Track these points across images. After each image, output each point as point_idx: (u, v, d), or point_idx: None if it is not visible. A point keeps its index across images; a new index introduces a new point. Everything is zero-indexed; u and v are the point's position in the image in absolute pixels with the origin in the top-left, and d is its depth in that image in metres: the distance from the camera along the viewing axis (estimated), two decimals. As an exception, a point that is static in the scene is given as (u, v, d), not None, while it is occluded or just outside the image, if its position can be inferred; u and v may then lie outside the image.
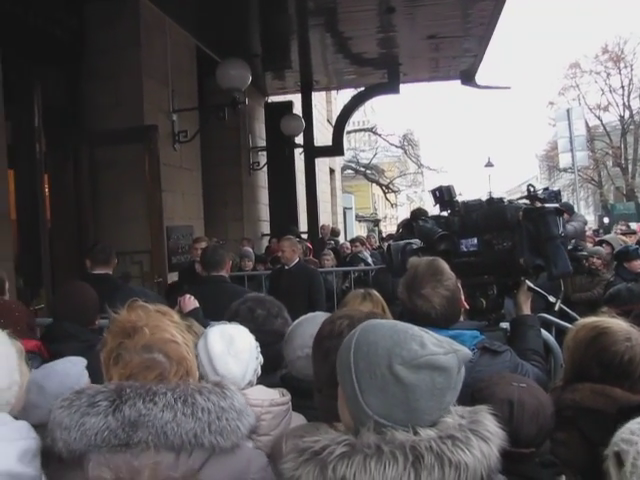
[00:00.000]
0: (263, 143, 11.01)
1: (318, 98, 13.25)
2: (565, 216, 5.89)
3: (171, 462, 1.41)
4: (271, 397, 1.87)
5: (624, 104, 30.38)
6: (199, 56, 8.05)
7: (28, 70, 5.29)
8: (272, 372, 2.22)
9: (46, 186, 5.74)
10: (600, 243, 7.00)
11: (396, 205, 33.66)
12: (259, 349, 2.07)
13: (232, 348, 1.93)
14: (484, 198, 2.90)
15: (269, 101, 11.56)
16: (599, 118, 30.65)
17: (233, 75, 6.88)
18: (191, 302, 3.48)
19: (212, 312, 3.28)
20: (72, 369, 1.95)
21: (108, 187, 6.52)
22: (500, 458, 1.21)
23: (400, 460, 1.12)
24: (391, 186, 29.01)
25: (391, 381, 1.18)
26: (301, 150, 10.97)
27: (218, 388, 1.49)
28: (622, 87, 30.21)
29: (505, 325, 2.62)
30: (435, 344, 1.22)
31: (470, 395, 1.77)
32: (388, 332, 1.26)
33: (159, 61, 6.88)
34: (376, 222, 28.40)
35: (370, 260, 7.99)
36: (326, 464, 1.13)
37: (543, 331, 2.71)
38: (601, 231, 16.07)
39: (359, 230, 24.37)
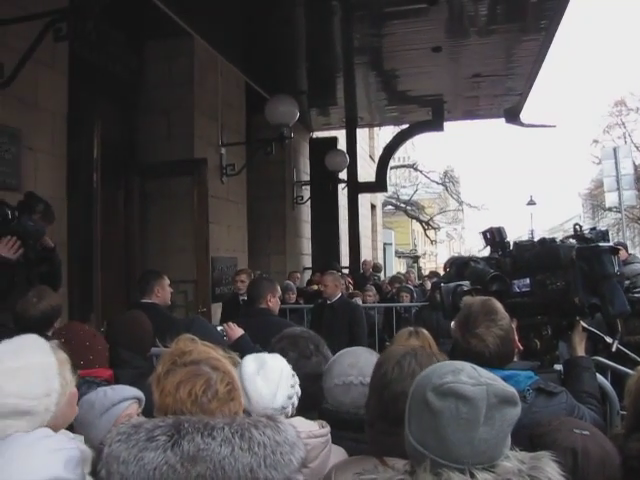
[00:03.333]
0: (307, 177, 11.15)
1: (361, 134, 13.39)
2: (623, 254, 5.79)
3: None
4: (309, 429, 1.88)
5: (672, 143, 29.69)
6: (247, 92, 8.29)
7: (90, 105, 5.54)
8: (308, 410, 2.23)
9: (98, 215, 5.93)
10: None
11: (436, 242, 33.44)
12: (296, 379, 2.09)
13: (262, 370, 1.98)
14: (525, 237, 2.88)
15: (314, 136, 11.76)
16: (646, 157, 30.00)
17: (281, 111, 7.05)
18: (237, 329, 3.53)
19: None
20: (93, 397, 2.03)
21: (157, 217, 6.71)
22: None
23: None
24: (431, 223, 28.89)
25: (424, 407, 1.23)
26: (344, 185, 11.07)
27: (272, 422, 1.49)
28: (670, 126, 29.57)
29: (559, 367, 2.57)
30: (469, 376, 1.24)
31: (529, 439, 1.73)
32: (440, 365, 1.32)
33: (210, 97, 7.12)
34: (415, 258, 28.21)
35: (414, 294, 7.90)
36: None
37: (598, 375, 2.64)
38: (649, 273, 15.53)
39: (398, 266, 24.24)
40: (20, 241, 3.42)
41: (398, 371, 1.66)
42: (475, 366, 1.30)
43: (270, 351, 2.40)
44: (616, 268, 2.44)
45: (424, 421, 1.23)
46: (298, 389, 2.07)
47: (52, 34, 3.84)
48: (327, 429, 1.93)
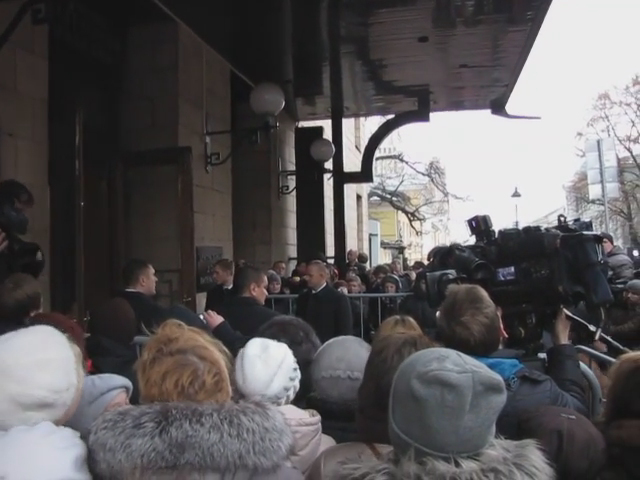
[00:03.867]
0: (293, 167, 11.12)
1: (347, 124, 13.36)
2: (608, 245, 5.83)
3: None
4: (300, 417, 1.89)
5: (655, 136, 29.93)
6: (232, 81, 8.21)
7: (72, 91, 5.45)
8: (299, 399, 2.22)
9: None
10: (639, 275, 6.85)
11: (421, 233, 33.58)
12: (298, 374, 2.08)
13: (264, 354, 2.00)
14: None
15: (299, 126, 11.71)
16: (629, 150, 30.26)
17: (267, 99, 7.00)
18: (217, 317, 3.51)
19: (242, 333, 3.31)
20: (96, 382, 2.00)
21: (140, 206, 6.66)
22: None
23: None
24: (417, 214, 28.99)
25: (409, 395, 1.21)
26: (329, 175, 11.05)
27: (260, 408, 1.48)
28: (653, 118, 29.80)
29: (543, 355, 2.58)
30: (455, 363, 1.22)
31: (514, 425, 1.73)
32: (424, 352, 1.31)
33: (195, 85, 7.04)
34: (401, 249, 28.30)
35: (400, 284, 7.93)
36: None
37: (581, 363, 2.66)
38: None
39: (384, 257, 24.30)
40: (4, 233, 3.35)
41: (398, 359, 1.65)
42: (460, 353, 1.29)
43: (260, 337, 2.38)
44: (600, 256, 2.45)
45: (408, 409, 1.22)
46: (297, 384, 2.07)
47: (30, 16, 3.75)
48: (317, 418, 1.93)
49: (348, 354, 2.17)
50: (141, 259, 4.91)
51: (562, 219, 2.84)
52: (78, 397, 1.56)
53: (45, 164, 4.84)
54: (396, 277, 8.12)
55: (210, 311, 3.64)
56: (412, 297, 6.39)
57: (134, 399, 1.91)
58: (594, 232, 2.57)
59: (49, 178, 4.88)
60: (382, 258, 22.90)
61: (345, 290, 7.01)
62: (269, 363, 1.98)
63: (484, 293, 2.16)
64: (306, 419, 1.90)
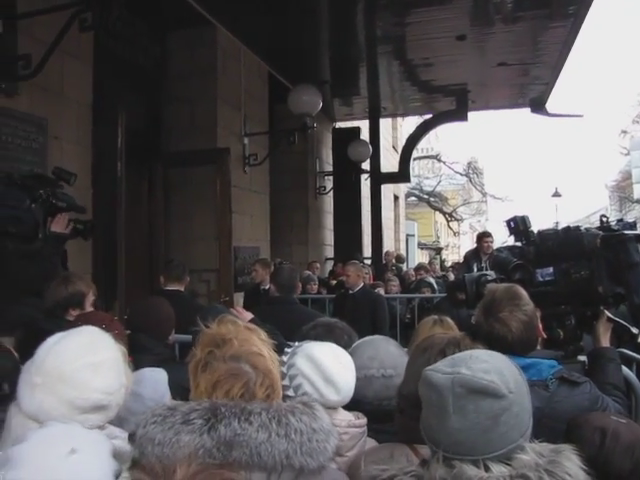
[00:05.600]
0: (330, 168, 11.14)
1: (384, 124, 13.29)
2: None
3: None
4: (349, 418, 1.88)
5: (703, 134, 28.86)
6: (270, 82, 8.30)
7: (114, 95, 5.61)
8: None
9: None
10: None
11: (459, 233, 33.16)
12: None
13: (339, 360, 1.93)
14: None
15: (337, 127, 11.73)
16: (676, 148, 29.23)
17: (305, 100, 7.05)
18: (246, 313, 3.51)
19: (282, 333, 3.32)
20: (159, 376, 2.01)
21: (180, 206, 6.78)
22: None
23: None
24: (454, 214, 28.64)
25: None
26: (366, 176, 11.03)
27: (308, 408, 1.48)
28: (702, 116, 28.74)
29: (583, 358, 2.53)
30: (453, 365, 1.23)
31: (553, 428, 1.70)
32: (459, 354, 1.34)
33: (233, 87, 7.14)
34: (438, 250, 28.02)
35: (435, 285, 7.86)
36: None
37: (623, 367, 2.59)
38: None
39: (421, 258, 24.09)
40: (67, 217, 3.48)
41: (441, 360, 1.66)
42: (490, 357, 1.28)
43: (302, 338, 2.36)
44: (642, 257, 2.39)
45: (423, 407, 1.28)
46: None
47: (77, 24, 3.88)
48: (364, 420, 1.92)
49: (379, 352, 2.17)
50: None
51: (604, 219, 2.78)
52: (126, 395, 1.58)
53: (89, 166, 4.98)
54: (430, 280, 8.03)
55: (238, 307, 3.67)
56: (446, 299, 6.33)
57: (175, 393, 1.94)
58: (636, 231, 2.51)
59: (92, 180, 5.02)
60: (419, 259, 22.69)
61: (382, 291, 6.99)
62: (350, 367, 1.93)
63: (523, 291, 2.13)
64: (355, 421, 1.89)
